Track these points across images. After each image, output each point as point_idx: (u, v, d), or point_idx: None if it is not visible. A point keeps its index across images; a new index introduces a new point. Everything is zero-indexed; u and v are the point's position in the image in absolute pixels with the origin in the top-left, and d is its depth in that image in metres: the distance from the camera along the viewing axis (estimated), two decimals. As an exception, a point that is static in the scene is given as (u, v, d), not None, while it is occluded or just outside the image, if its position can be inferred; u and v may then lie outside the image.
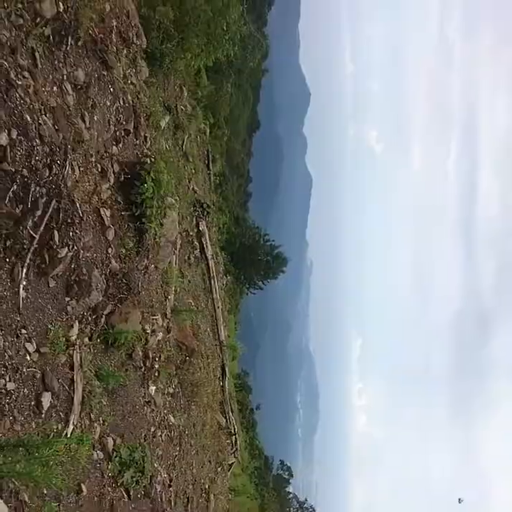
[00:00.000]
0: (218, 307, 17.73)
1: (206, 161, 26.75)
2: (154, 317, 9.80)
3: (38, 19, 5.05)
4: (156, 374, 9.47)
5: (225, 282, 22.81)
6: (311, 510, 54.42)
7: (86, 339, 7.10)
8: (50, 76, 5.84)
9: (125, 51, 7.73)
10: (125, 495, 7.15)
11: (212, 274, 17.86)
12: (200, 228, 17.83)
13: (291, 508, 52.82)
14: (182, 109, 17.50)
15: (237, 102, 35.51)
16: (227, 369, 17.87)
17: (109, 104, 7.73)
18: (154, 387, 9.33)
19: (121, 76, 7.73)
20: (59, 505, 5.19)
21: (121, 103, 8.15)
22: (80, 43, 6.10)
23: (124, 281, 8.38)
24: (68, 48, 5.84)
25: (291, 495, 56.00)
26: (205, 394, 12.74)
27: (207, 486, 12.28)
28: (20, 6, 4.75)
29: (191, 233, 16.66)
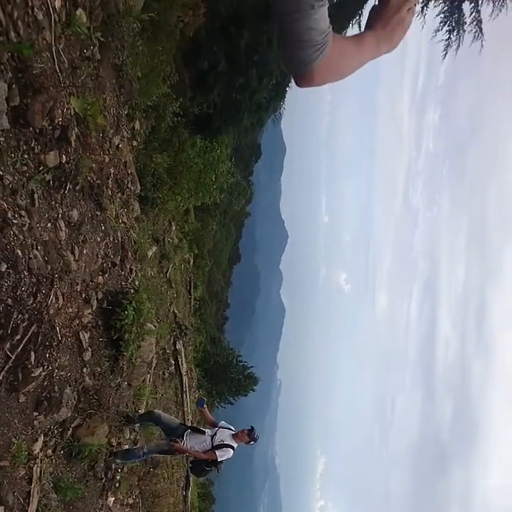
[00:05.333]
0: (188, 419, 17.30)
1: (188, 287, 26.97)
2: (121, 431, 9.45)
3: (41, 167, 5.13)
4: (117, 484, 8.94)
5: (197, 396, 22.28)
6: None
7: (49, 451, 6.71)
8: (46, 214, 5.88)
9: (119, 195, 7.89)
10: None
11: (185, 389, 17.69)
12: (177, 347, 17.84)
13: None
14: (169, 241, 17.79)
15: (221, 238, 36.28)
16: (191, 479, 17.13)
17: (99, 239, 7.79)
18: (113, 498, 8.76)
19: (114, 216, 7.84)
20: None
21: (111, 239, 8.23)
22: (77, 188, 6.19)
23: (96, 397, 8.11)
24: (66, 192, 5.92)
25: None
26: (166, 505, 12.02)
27: None
28: (26, 156, 4.85)
29: (168, 351, 16.56)
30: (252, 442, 8.11)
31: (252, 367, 35.05)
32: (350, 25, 13.82)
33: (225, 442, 7.94)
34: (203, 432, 8.18)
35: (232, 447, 7.94)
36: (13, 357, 5.64)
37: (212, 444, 7.96)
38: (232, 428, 8.28)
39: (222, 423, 8.43)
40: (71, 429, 7.34)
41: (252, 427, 8.18)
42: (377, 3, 1.65)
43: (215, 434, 8.10)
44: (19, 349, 5.76)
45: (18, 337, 5.71)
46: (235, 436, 8.02)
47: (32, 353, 6.04)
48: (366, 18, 1.79)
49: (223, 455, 7.92)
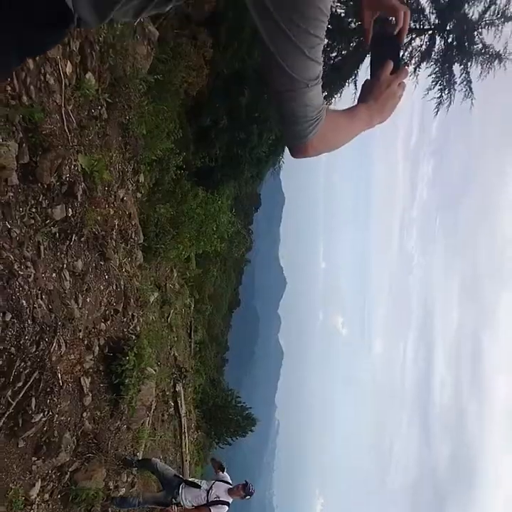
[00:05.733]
0: (186, 460, 16.98)
1: (189, 331, 26.84)
2: (119, 474, 9.26)
3: (48, 220, 5.18)
4: (112, 527, 8.71)
5: (195, 437, 21.90)
6: None
7: (46, 495, 6.60)
8: (52, 265, 5.92)
9: (123, 245, 7.95)
10: None
11: (183, 430, 17.37)
12: (177, 389, 17.63)
13: None
14: (171, 287, 17.79)
15: (221, 283, 36.30)
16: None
17: (102, 288, 7.82)
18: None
19: (117, 265, 7.88)
20: None
21: (114, 287, 8.26)
22: (82, 239, 6.23)
23: (95, 441, 7.99)
24: (71, 243, 5.96)
25: None
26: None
27: None
28: (34, 210, 4.90)
29: (168, 393, 16.39)
30: (248, 497, 7.97)
31: (250, 408, 34.56)
32: (347, 84, 14.11)
33: (220, 498, 7.77)
34: (199, 487, 8.01)
35: (227, 503, 7.78)
36: (14, 403, 5.60)
37: (208, 500, 7.78)
38: (230, 481, 8.12)
39: (221, 475, 8.28)
40: (69, 473, 7.22)
41: (246, 481, 8.04)
42: (369, 77, 1.68)
43: (211, 488, 7.94)
44: (20, 395, 5.72)
45: (20, 384, 5.68)
46: (230, 491, 7.86)
47: (33, 399, 6.00)
48: (359, 91, 1.82)
49: None
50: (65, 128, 4.88)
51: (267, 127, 13.00)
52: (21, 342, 5.41)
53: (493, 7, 12.21)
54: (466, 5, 12.03)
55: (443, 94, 13.57)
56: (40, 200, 4.96)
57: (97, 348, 8.16)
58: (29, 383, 5.81)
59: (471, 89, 13.20)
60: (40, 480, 6.37)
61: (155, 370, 10.82)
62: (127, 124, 6.78)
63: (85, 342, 7.80)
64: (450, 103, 13.66)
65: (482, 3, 12.22)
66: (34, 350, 5.93)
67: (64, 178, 5.13)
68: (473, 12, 12.32)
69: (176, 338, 19.76)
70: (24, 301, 5.19)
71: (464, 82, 13.28)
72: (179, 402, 17.64)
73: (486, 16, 12.24)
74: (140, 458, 9.90)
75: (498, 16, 12.09)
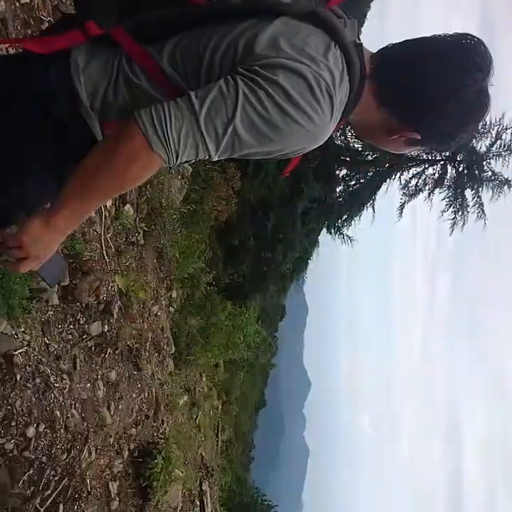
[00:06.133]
0: None
1: (216, 431, 25.90)
2: None
3: (85, 336, 5.14)
4: None
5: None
6: None
7: None
8: (86, 376, 5.81)
9: (156, 355, 7.84)
10: None
11: (208, 534, 16.19)
12: (203, 488, 16.66)
13: None
14: (199, 391, 17.39)
15: (248, 386, 35.45)
16: None
17: (134, 395, 7.62)
18: None
19: (150, 374, 7.73)
20: None
21: (146, 395, 8.05)
22: (117, 352, 6.15)
23: (121, 548, 7.45)
24: (106, 356, 5.87)
25: None
26: None
27: None
28: (71, 326, 4.88)
29: (194, 492, 15.53)
30: None
31: (276, 506, 32.48)
32: (365, 208, 14.31)
33: None
34: None
35: None
36: (43, 510, 5.29)
37: None
38: None
39: None
40: None
41: None
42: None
43: None
44: (48, 502, 5.42)
45: (48, 492, 5.40)
46: None
47: (61, 506, 5.67)
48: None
49: None
50: (104, 253, 4.96)
51: (290, 247, 13.20)
52: (52, 451, 5.20)
53: (498, 141, 12.63)
54: (474, 139, 12.44)
55: (457, 216, 13.73)
56: (78, 317, 4.96)
57: (127, 452, 7.83)
58: (58, 490, 5.52)
59: (483, 211, 13.42)
60: None
61: (182, 472, 10.32)
62: (162, 248, 6.91)
63: (115, 447, 7.50)
64: (464, 223, 13.80)
65: (489, 138, 12.67)
66: (65, 457, 5.69)
67: (101, 297, 5.16)
68: (482, 145, 12.74)
69: (203, 438, 19.00)
70: (58, 412, 5.04)
71: (476, 205, 13.49)
72: (205, 501, 16.62)
73: (493, 148, 12.62)
74: None
75: (505, 148, 12.49)
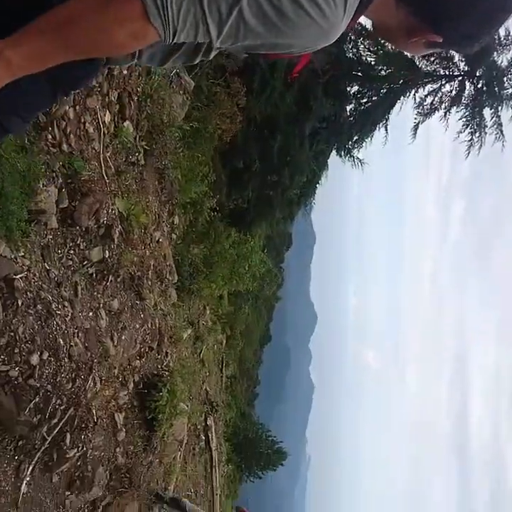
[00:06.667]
0: (217, 494, 16.53)
1: (220, 366, 26.63)
2: (151, 508, 9.07)
3: (85, 262, 5.18)
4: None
5: (226, 470, 21.42)
6: None
7: (78, 529, 6.45)
8: (88, 304, 5.90)
9: (158, 284, 7.93)
10: None
11: (214, 464, 16.96)
12: (208, 423, 17.34)
13: None
14: (203, 324, 17.73)
15: (253, 320, 36.11)
16: None
17: (137, 326, 7.77)
18: None
19: (152, 304, 7.85)
20: None
21: (149, 326, 8.21)
22: (119, 279, 6.22)
23: (127, 475, 7.80)
24: (108, 283, 5.94)
25: None
26: None
27: None
28: (71, 252, 4.90)
29: (199, 427, 16.18)
30: None
31: (281, 442, 33.72)
32: (377, 128, 14.04)
33: None
34: None
35: None
36: (50, 439, 5.51)
37: None
38: None
39: None
40: (101, 507, 7.03)
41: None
42: None
43: None
44: (56, 431, 5.64)
45: (55, 420, 5.60)
46: None
47: (68, 435, 5.90)
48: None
49: None
50: (103, 174, 4.91)
51: (298, 170, 13.03)
52: (57, 379, 5.34)
53: (522, 54, 12.17)
54: (495, 53, 11.98)
55: (473, 137, 13.44)
56: (78, 242, 4.96)
57: (132, 384, 8.08)
58: (64, 419, 5.74)
59: (502, 132, 13.09)
60: (73, 514, 6.26)
61: (187, 406, 10.70)
62: (163, 169, 6.82)
63: (120, 379, 7.73)
64: (481, 145, 13.52)
65: (511, 51, 12.18)
66: (70, 387, 5.86)
67: (102, 221, 5.14)
68: (503, 59, 12.30)
69: (207, 373, 19.57)
70: (61, 340, 5.14)
71: (495, 126, 13.17)
72: (210, 435, 17.38)
73: (516, 62, 12.21)
74: (171, 492, 9.72)
75: (528, 63, 12.06)
